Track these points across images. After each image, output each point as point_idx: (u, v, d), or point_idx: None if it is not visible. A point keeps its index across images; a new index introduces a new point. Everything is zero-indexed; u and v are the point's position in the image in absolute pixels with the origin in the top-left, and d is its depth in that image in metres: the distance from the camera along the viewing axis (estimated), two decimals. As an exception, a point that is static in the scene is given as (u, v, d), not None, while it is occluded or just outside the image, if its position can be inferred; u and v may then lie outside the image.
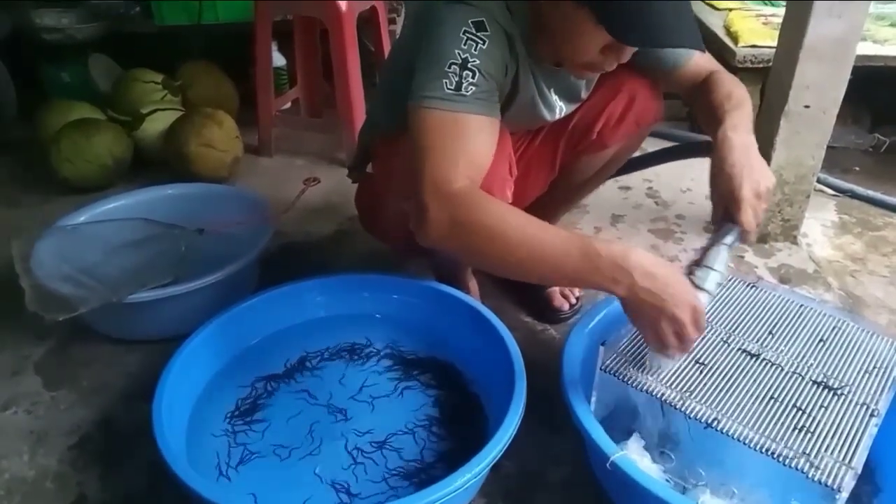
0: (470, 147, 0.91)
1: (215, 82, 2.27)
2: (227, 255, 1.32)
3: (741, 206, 0.97)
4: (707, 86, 1.12)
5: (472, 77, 0.90)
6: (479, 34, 0.91)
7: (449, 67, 0.90)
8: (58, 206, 1.79)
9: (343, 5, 1.86)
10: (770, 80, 1.64)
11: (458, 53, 0.90)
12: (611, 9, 0.85)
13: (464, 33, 0.91)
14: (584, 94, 1.19)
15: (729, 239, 0.99)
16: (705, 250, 0.99)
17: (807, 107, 1.51)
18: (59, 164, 1.85)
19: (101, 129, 1.89)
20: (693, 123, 2.44)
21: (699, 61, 1.15)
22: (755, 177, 0.99)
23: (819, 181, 2.00)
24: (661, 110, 1.26)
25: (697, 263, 0.98)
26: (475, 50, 0.91)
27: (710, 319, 1.07)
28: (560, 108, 1.17)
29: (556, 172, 1.34)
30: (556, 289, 1.41)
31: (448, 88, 0.90)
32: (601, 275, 0.85)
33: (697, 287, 0.94)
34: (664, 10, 0.85)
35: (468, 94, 0.90)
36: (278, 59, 2.38)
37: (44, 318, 1.17)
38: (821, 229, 1.82)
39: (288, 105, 2.39)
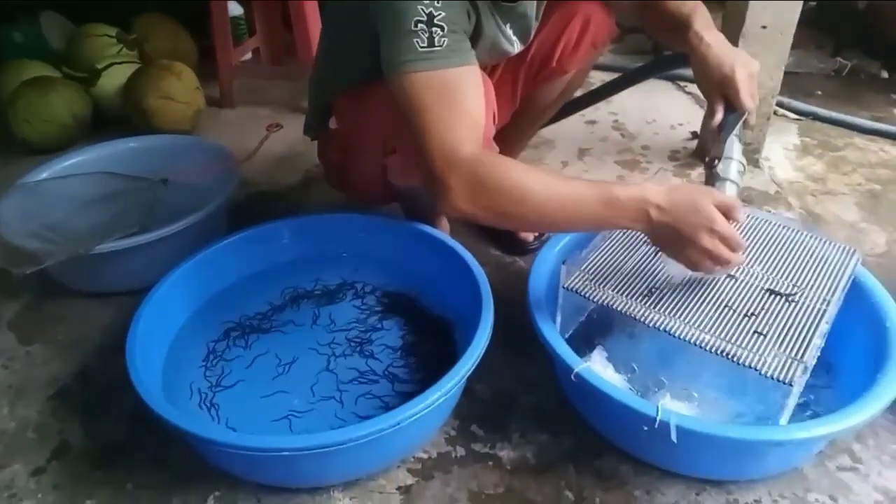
0: (463, 104, 0.90)
1: (172, 35, 2.22)
2: (194, 205, 1.31)
3: (740, 89, 1.01)
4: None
5: (442, 30, 0.88)
6: None
7: (415, 26, 0.87)
8: (20, 168, 1.73)
9: (297, -52, 1.82)
10: (728, 2, 1.64)
11: (422, 10, 0.88)
12: None
13: None
14: (534, 28, 1.19)
15: (736, 128, 1.04)
16: (717, 144, 1.04)
17: (763, 27, 1.52)
18: (17, 126, 1.81)
19: (57, 88, 1.85)
20: (656, 52, 2.44)
21: None
22: (742, 60, 1.03)
23: (782, 105, 2.02)
24: (615, 29, 1.28)
25: (715, 157, 1.03)
26: (437, 3, 0.88)
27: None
28: (515, 43, 1.16)
29: (518, 104, 1.35)
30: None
31: (421, 47, 0.87)
32: (622, 217, 0.89)
33: (722, 179, 1.01)
34: None
35: (444, 47, 0.88)
36: (235, 9, 2.33)
37: (12, 274, 1.17)
38: (783, 152, 1.85)
39: (249, 55, 2.34)
